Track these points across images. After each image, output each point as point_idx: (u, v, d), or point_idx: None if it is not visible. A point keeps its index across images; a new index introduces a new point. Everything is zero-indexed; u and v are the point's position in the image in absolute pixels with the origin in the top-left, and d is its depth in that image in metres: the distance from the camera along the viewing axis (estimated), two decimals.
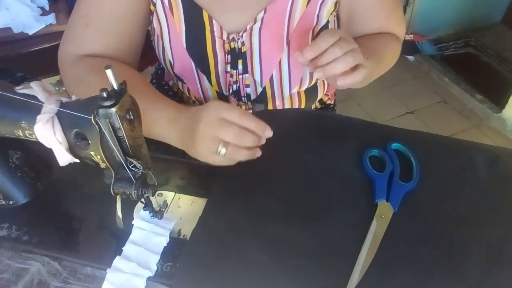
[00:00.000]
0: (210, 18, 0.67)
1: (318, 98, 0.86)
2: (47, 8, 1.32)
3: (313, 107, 0.88)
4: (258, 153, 0.53)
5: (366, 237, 0.50)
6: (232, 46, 0.70)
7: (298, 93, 0.80)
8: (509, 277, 0.47)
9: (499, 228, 0.52)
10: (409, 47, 2.22)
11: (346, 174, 0.59)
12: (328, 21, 0.70)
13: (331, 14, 0.70)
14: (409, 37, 2.24)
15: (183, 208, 0.55)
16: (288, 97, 0.78)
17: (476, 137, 1.86)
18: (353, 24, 0.75)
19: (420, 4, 2.19)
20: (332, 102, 0.96)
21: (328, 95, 0.92)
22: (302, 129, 0.66)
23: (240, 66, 0.72)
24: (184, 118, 0.59)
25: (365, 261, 0.48)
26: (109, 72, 0.39)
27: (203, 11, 0.67)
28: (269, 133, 0.53)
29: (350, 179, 0.58)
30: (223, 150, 0.51)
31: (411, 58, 2.26)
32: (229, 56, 0.71)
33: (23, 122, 0.44)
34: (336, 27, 0.73)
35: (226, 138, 0.51)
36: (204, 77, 0.74)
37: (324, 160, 0.60)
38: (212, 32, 0.69)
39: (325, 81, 0.84)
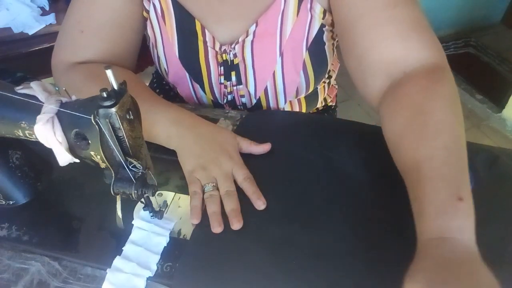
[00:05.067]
0: (203, 28, 0.67)
1: (319, 102, 0.86)
2: (47, 8, 1.32)
3: (316, 107, 0.88)
4: (218, 226, 0.51)
5: None
6: (224, 58, 0.69)
7: (298, 99, 0.79)
8: (509, 277, 0.47)
9: (499, 228, 0.52)
10: None
11: (346, 175, 0.59)
12: (321, 26, 0.66)
13: (324, 26, 0.67)
14: None
15: (183, 208, 0.55)
16: (288, 104, 0.78)
17: (476, 137, 1.86)
18: (356, 46, 0.58)
19: (420, 4, 2.19)
20: (334, 104, 0.96)
21: (330, 96, 0.92)
22: (302, 130, 0.66)
23: (233, 78, 0.72)
24: (190, 118, 0.60)
25: None
26: (109, 72, 0.39)
27: (196, 20, 0.66)
28: (261, 205, 0.53)
29: (351, 179, 0.58)
30: (209, 187, 0.54)
31: None
32: (222, 67, 0.70)
33: (23, 122, 0.44)
34: (331, 36, 0.70)
35: (223, 183, 0.55)
36: (198, 86, 0.74)
37: (324, 160, 0.60)
38: (204, 42, 0.68)
39: (325, 86, 0.84)
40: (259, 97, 0.74)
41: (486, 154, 0.62)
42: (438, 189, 0.44)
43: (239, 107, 0.77)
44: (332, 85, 0.91)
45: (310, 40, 0.68)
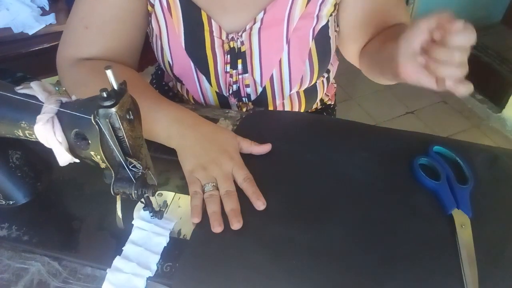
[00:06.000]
0: (209, 18, 0.67)
1: (318, 98, 0.86)
2: (47, 8, 1.33)
3: (314, 107, 0.89)
4: (218, 226, 0.51)
5: (460, 253, 0.49)
6: (232, 46, 0.70)
7: (298, 93, 0.80)
8: (509, 277, 0.47)
9: (499, 228, 0.52)
10: None
11: (346, 175, 0.59)
12: (328, 21, 0.70)
13: (331, 15, 0.70)
14: None
15: (183, 208, 0.55)
16: (288, 97, 0.78)
17: (476, 137, 1.86)
18: (364, 21, 0.72)
19: (420, 4, 2.20)
20: (332, 103, 0.96)
21: (328, 95, 0.93)
22: (302, 130, 0.66)
23: (239, 66, 0.72)
24: (191, 117, 0.60)
25: (473, 277, 0.46)
26: (109, 72, 0.39)
27: (202, 11, 0.67)
28: (261, 205, 0.53)
29: (350, 179, 0.58)
30: (209, 187, 0.54)
31: None
32: (229, 56, 0.71)
33: (23, 122, 0.44)
34: (334, 28, 0.73)
35: (222, 183, 0.55)
36: (203, 78, 0.74)
37: (324, 160, 0.60)
38: (211, 32, 0.68)
39: (324, 82, 0.84)
40: (264, 86, 0.74)
41: (486, 154, 0.62)
42: None
43: (243, 99, 0.77)
44: (331, 83, 0.92)
45: (317, 29, 0.69)
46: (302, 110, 0.83)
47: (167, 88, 0.90)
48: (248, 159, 0.58)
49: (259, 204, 0.53)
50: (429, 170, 0.58)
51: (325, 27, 0.70)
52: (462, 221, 0.52)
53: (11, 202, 0.55)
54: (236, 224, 0.51)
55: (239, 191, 0.55)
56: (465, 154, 0.60)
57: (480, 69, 2.18)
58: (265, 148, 0.61)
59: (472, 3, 2.31)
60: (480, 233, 0.51)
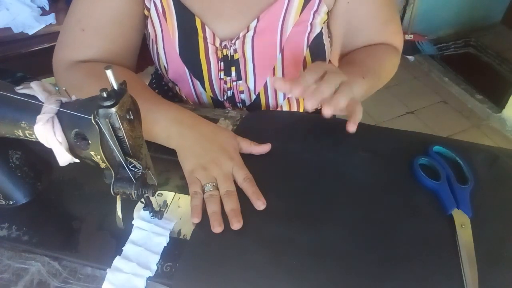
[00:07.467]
0: (203, 25, 0.67)
1: None
2: (47, 8, 1.33)
3: None
4: (218, 226, 0.50)
5: (460, 253, 0.49)
6: (225, 54, 0.70)
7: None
8: (509, 277, 0.47)
9: (499, 228, 0.52)
10: (409, 47, 2.23)
11: (346, 175, 0.59)
12: (322, 28, 0.70)
13: (324, 23, 0.70)
14: (409, 37, 2.25)
15: (183, 208, 0.55)
16: (286, 102, 0.78)
17: (476, 137, 1.86)
18: (348, 35, 0.74)
19: (420, 4, 2.20)
20: None
21: None
22: (302, 130, 0.66)
23: (233, 73, 0.72)
24: (191, 117, 0.60)
25: (473, 277, 0.46)
26: (109, 72, 0.40)
27: (196, 17, 0.67)
28: (261, 205, 0.53)
29: (350, 179, 0.58)
30: (209, 187, 0.54)
31: (411, 58, 2.27)
32: (222, 63, 0.71)
33: (23, 122, 0.44)
34: (328, 35, 0.73)
35: (222, 183, 0.55)
36: (198, 83, 0.74)
37: (324, 160, 0.60)
38: (204, 38, 0.68)
39: None
40: (258, 93, 0.74)
41: (486, 154, 0.62)
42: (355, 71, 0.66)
43: (238, 104, 0.77)
44: None
45: (312, 37, 0.69)
46: (301, 111, 0.83)
47: (167, 88, 0.90)
48: (248, 159, 0.58)
49: (259, 204, 0.53)
50: (429, 170, 0.58)
51: (319, 34, 0.70)
52: (462, 221, 0.52)
53: (11, 202, 0.55)
54: (236, 224, 0.51)
55: (239, 191, 0.55)
56: (465, 154, 0.60)
57: (480, 69, 2.18)
58: (264, 148, 0.61)
59: (472, 3, 2.31)
60: (480, 233, 0.51)
